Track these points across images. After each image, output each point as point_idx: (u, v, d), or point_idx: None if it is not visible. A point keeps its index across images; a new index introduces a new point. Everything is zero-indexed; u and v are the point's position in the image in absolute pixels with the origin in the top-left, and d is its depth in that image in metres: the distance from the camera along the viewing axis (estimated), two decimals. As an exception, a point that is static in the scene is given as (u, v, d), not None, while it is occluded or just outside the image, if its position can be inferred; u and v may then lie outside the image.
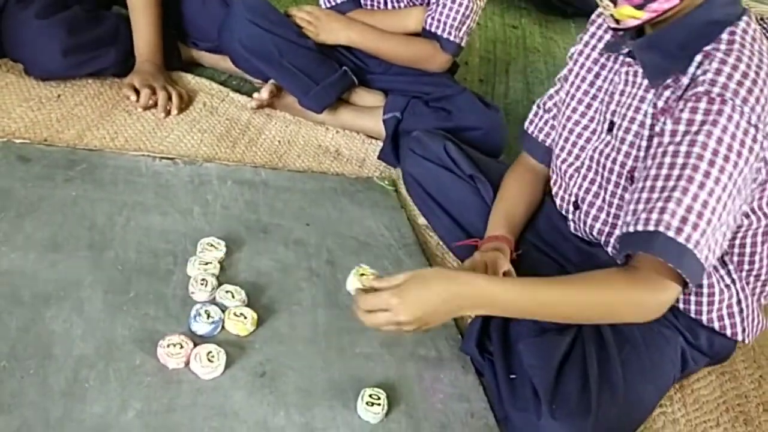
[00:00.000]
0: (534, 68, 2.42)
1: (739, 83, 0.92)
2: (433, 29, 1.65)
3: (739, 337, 1.15)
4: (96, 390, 0.92)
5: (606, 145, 1.13)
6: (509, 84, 2.26)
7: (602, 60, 1.16)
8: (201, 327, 1.04)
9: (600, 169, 1.14)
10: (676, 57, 1.01)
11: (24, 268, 1.06)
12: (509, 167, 1.34)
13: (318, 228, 1.35)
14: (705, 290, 1.11)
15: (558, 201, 1.24)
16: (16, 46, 1.51)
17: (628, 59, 1.09)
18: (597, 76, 1.17)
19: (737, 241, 1.08)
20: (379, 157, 1.64)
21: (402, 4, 1.69)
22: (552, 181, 1.26)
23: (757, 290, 1.14)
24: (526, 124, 1.32)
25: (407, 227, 1.45)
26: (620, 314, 0.99)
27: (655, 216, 0.91)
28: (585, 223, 1.18)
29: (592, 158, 1.15)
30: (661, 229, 0.90)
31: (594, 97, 1.17)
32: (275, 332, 1.10)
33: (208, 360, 0.98)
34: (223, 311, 1.07)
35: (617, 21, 1.00)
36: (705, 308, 1.12)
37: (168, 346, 0.99)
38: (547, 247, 1.26)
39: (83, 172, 1.30)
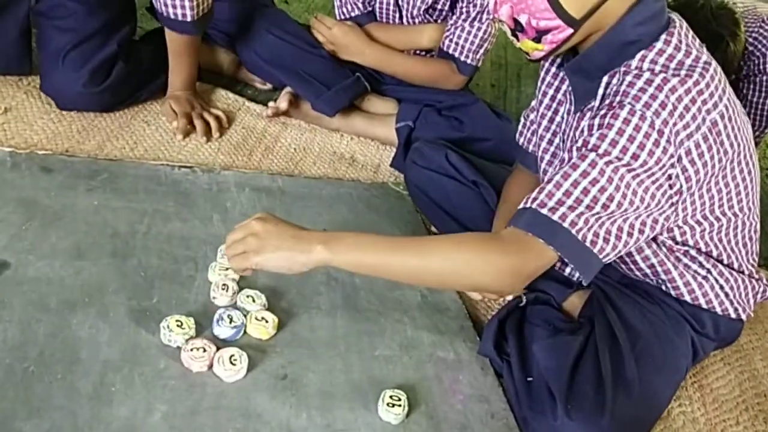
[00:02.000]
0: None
1: (641, 89, 0.92)
2: (450, 51, 1.67)
3: (743, 316, 1.16)
4: (122, 393, 0.94)
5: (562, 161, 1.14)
6: (521, 89, 2.27)
7: (561, 74, 1.16)
8: (224, 331, 1.06)
9: None
10: (595, 80, 1.01)
11: (50, 276, 1.09)
12: (508, 177, 1.35)
13: (335, 233, 1.37)
14: (685, 287, 1.12)
15: None
16: (53, 92, 1.52)
17: (569, 78, 1.10)
18: (558, 90, 1.18)
19: (702, 242, 1.09)
20: (391, 165, 1.66)
21: (417, 20, 1.71)
22: None
23: (744, 264, 1.15)
24: (517, 135, 1.33)
25: (423, 231, 1.46)
26: (470, 272, 0.95)
27: (532, 195, 0.94)
28: None
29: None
30: (534, 206, 0.93)
31: (556, 112, 1.19)
32: (295, 335, 1.11)
33: (231, 363, 1.00)
34: (245, 315, 1.09)
35: (527, 53, 1.02)
36: (699, 295, 1.13)
37: (191, 350, 1.00)
38: None
39: (104, 181, 1.33)
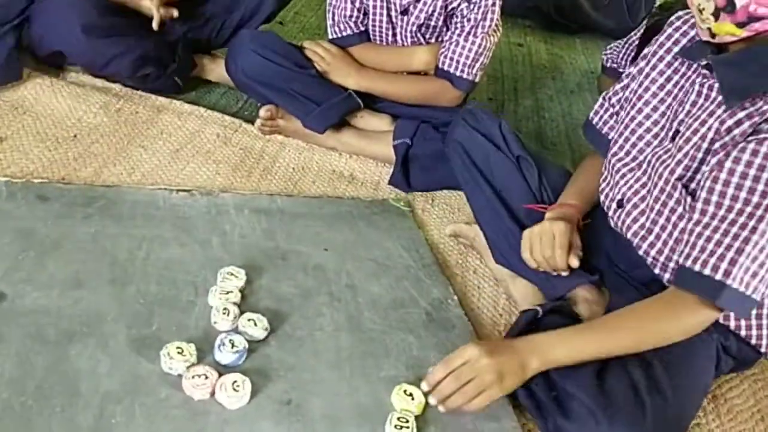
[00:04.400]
0: (542, 84, 2.42)
1: None
2: (445, 67, 1.66)
3: (763, 350, 1.14)
4: (123, 426, 0.92)
5: (665, 152, 1.12)
6: (518, 101, 2.26)
7: (676, 64, 1.14)
8: (226, 357, 1.03)
9: (653, 174, 1.13)
10: (758, 78, 0.98)
11: (48, 306, 1.07)
12: (584, 158, 1.37)
13: (336, 252, 1.35)
14: None
15: (602, 197, 1.24)
16: (37, 20, 1.60)
17: (704, 71, 1.08)
18: (668, 80, 1.15)
19: None
20: (389, 183, 1.64)
21: (410, 40, 1.71)
22: (602, 176, 1.25)
23: None
24: (591, 115, 1.32)
25: (425, 247, 1.44)
26: (670, 339, 1.04)
27: (723, 265, 0.95)
28: (624, 222, 1.17)
29: (648, 162, 1.15)
30: (731, 283, 0.95)
31: (662, 101, 1.15)
32: (299, 359, 1.09)
33: (234, 389, 0.98)
34: (248, 341, 1.07)
35: (713, 35, 0.99)
36: (732, 316, 1.11)
37: (193, 377, 0.98)
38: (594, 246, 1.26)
39: (102, 208, 1.31)
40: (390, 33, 1.72)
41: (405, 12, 1.67)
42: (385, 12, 1.69)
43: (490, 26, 1.64)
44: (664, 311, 1.03)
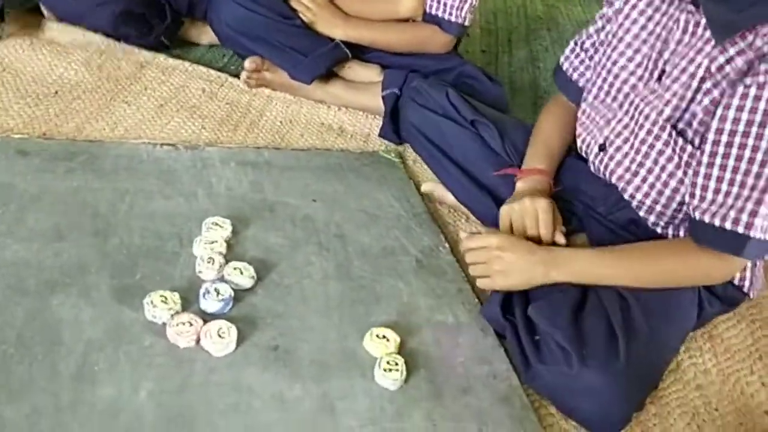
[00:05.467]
0: (537, 36, 2.37)
1: None
2: (433, 11, 1.62)
3: (745, 290, 1.13)
4: (106, 373, 0.90)
5: (651, 93, 1.08)
6: (512, 53, 2.21)
7: (657, 2, 1.10)
8: (211, 305, 1.02)
9: (637, 115, 1.10)
10: (746, 12, 0.94)
11: (28, 258, 1.04)
12: (544, 108, 1.32)
13: (325, 204, 1.33)
14: None
15: (579, 142, 1.21)
16: None
17: (690, 7, 1.03)
18: (650, 19, 1.11)
19: None
20: (379, 135, 1.61)
21: None
22: (578, 121, 1.22)
23: None
24: (561, 60, 1.29)
25: (416, 197, 1.41)
26: (691, 281, 1.06)
27: (744, 218, 0.94)
28: (607, 166, 1.14)
29: (632, 103, 1.11)
30: (754, 233, 0.94)
31: (644, 42, 1.11)
32: (287, 307, 1.07)
33: (219, 336, 0.96)
34: (234, 290, 1.05)
35: None
36: None
37: (177, 324, 0.97)
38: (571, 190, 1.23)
39: (84, 162, 1.29)
40: (374, -20, 1.67)
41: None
42: (369, -42, 1.64)
43: None
44: (688, 260, 1.02)
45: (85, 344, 0.93)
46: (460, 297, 1.17)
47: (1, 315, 0.94)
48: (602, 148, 1.15)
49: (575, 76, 1.25)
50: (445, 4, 1.61)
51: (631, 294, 1.01)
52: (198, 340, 0.97)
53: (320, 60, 1.62)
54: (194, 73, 1.68)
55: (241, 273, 1.08)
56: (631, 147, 1.10)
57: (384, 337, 1.03)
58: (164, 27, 1.73)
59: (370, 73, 1.69)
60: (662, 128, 1.05)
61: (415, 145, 1.43)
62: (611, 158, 1.14)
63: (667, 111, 1.04)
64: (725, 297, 1.13)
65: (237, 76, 1.71)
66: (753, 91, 0.91)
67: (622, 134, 1.12)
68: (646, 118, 1.07)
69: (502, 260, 1.05)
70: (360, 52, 1.71)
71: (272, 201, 1.31)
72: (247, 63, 1.64)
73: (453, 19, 1.62)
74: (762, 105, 0.91)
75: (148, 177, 1.29)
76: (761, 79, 0.91)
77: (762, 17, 0.94)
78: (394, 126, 1.60)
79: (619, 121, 1.13)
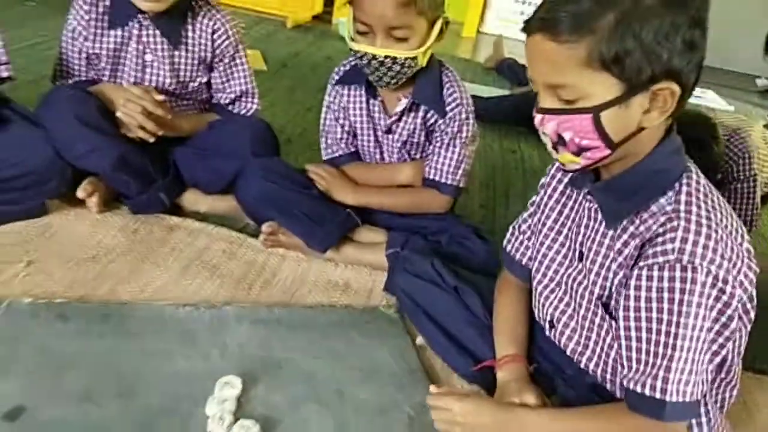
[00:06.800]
0: (534, 190, 2.54)
1: (705, 246, 1.00)
2: (431, 177, 1.84)
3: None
4: None
5: (578, 272, 1.23)
6: (509, 207, 2.40)
7: (568, 191, 1.28)
8: (219, 463, 1.13)
9: (573, 293, 1.24)
10: (631, 202, 1.10)
11: (60, 420, 1.19)
12: (496, 283, 1.45)
13: (327, 360, 1.46)
14: None
15: (536, 313, 1.35)
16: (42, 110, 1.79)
17: (589, 197, 1.20)
18: (564, 206, 1.28)
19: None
20: (384, 289, 1.77)
21: (396, 156, 1.90)
22: (532, 298, 1.36)
23: (726, 399, 1.19)
24: (505, 243, 1.44)
25: (412, 353, 1.54)
26: None
27: (659, 384, 1.04)
28: (560, 341, 1.27)
29: (566, 282, 1.26)
30: (669, 398, 1.04)
31: (563, 225, 1.28)
32: (287, 464, 1.18)
33: (224, 495, 1.07)
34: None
35: (563, 164, 1.14)
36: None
37: (187, 484, 1.08)
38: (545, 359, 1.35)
39: (115, 325, 1.45)
40: (377, 151, 1.90)
41: (389, 131, 1.86)
42: (372, 132, 1.88)
43: (467, 137, 1.82)
44: (629, 427, 1.10)
45: (105, 503, 1.05)
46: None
47: (35, 475, 1.07)
48: (552, 324, 1.29)
49: (518, 256, 1.40)
50: (441, 171, 1.83)
51: None
52: (205, 499, 1.08)
53: (334, 231, 1.83)
54: (217, 235, 1.89)
55: (248, 431, 1.20)
56: (576, 323, 1.24)
57: None
58: (165, 183, 1.91)
59: (376, 236, 1.89)
60: (596, 305, 1.19)
61: (406, 311, 1.59)
62: (561, 334, 1.27)
63: (597, 290, 1.18)
64: None
65: (255, 236, 1.91)
66: (645, 272, 1.05)
67: (566, 311, 1.26)
68: (582, 297, 1.22)
69: (464, 426, 1.15)
70: (367, 214, 1.92)
71: (279, 358, 1.44)
72: (265, 227, 1.84)
73: (449, 182, 1.83)
74: (654, 284, 1.04)
75: (171, 338, 1.45)
76: (650, 261, 1.05)
77: (641, 205, 1.09)
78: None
79: (560, 299, 1.27)
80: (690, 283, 1.00)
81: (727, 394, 1.19)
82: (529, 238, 1.39)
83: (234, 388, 1.30)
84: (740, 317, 1.08)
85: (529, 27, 1.03)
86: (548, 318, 1.29)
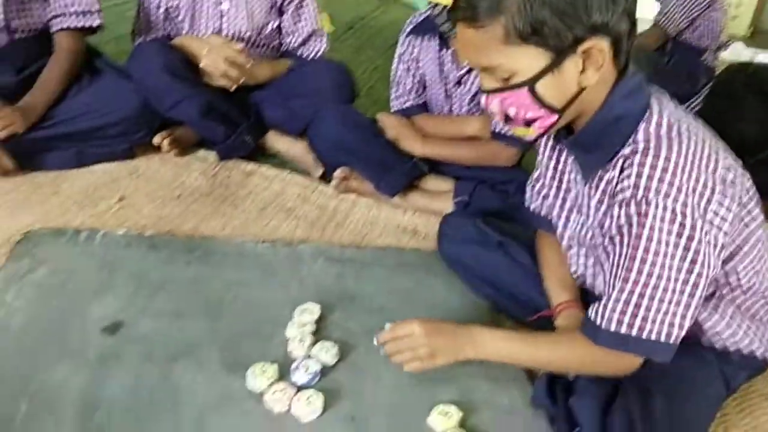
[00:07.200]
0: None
1: (660, 180, 0.99)
2: (497, 130, 1.85)
3: (759, 357, 1.20)
4: (215, 430, 1.11)
5: (581, 226, 1.25)
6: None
7: (558, 146, 1.27)
8: (301, 377, 1.21)
9: (587, 247, 1.25)
10: (598, 153, 1.10)
11: (157, 333, 1.29)
12: (537, 242, 1.45)
13: (397, 296, 1.52)
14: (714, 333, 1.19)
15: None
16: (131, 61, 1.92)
17: (570, 152, 1.21)
18: (558, 161, 1.29)
19: (739, 290, 1.15)
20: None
21: (465, 109, 1.92)
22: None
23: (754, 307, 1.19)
24: (526, 203, 1.43)
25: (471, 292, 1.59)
26: (589, 370, 1.15)
27: (626, 319, 1.04)
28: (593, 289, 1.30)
29: (578, 237, 1.27)
30: (633, 333, 1.04)
31: (561, 180, 1.30)
32: (363, 383, 1.25)
33: (307, 403, 1.15)
34: (320, 367, 1.25)
35: (519, 137, 1.13)
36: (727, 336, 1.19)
37: (273, 393, 1.16)
38: None
39: (199, 257, 1.55)
40: (447, 103, 1.93)
41: (459, 83, 1.88)
42: (442, 84, 1.91)
43: None
44: (584, 354, 1.12)
45: (200, 408, 1.15)
46: (515, 382, 1.31)
47: (137, 378, 1.18)
48: (583, 280, 1.30)
49: (542, 211, 1.37)
50: None
51: (654, 381, 1.12)
52: (289, 408, 1.16)
53: (402, 177, 1.87)
54: (291, 181, 1.96)
55: (327, 352, 1.28)
56: (600, 273, 1.24)
57: (447, 413, 1.19)
58: (249, 125, 1.99)
59: (444, 185, 1.92)
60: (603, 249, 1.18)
61: (456, 271, 1.61)
62: (593, 287, 1.29)
63: (598, 240, 1.19)
64: (747, 366, 1.21)
65: (327, 182, 1.98)
66: (609, 212, 1.08)
67: (588, 265, 1.28)
68: (595, 247, 1.21)
69: (426, 346, 1.15)
70: (435, 163, 1.95)
71: (353, 291, 1.51)
72: (338, 172, 1.91)
73: None
74: (614, 222, 1.06)
75: (251, 270, 1.53)
76: (612, 201, 1.07)
77: (609, 154, 1.08)
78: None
79: (580, 255, 1.28)
80: (644, 217, 1.01)
81: (750, 301, 1.18)
82: (546, 196, 1.38)
83: (312, 314, 1.38)
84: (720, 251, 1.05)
85: (453, 18, 1.06)
86: (577, 273, 1.32)
